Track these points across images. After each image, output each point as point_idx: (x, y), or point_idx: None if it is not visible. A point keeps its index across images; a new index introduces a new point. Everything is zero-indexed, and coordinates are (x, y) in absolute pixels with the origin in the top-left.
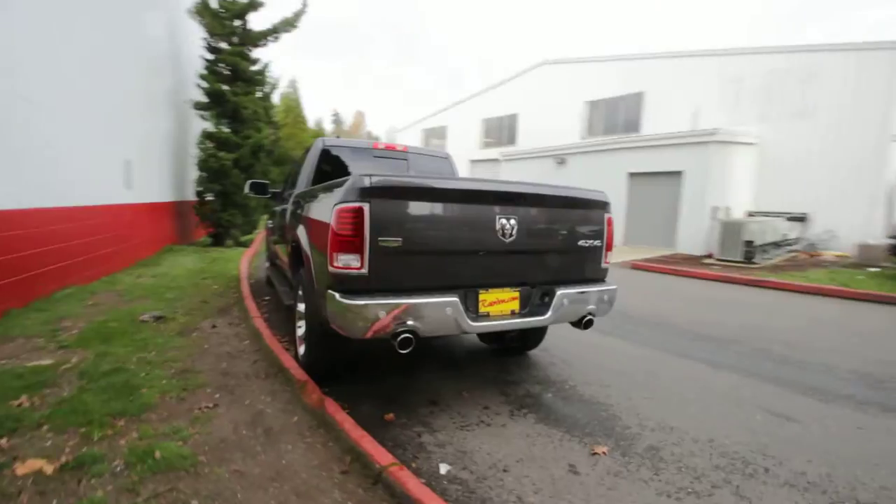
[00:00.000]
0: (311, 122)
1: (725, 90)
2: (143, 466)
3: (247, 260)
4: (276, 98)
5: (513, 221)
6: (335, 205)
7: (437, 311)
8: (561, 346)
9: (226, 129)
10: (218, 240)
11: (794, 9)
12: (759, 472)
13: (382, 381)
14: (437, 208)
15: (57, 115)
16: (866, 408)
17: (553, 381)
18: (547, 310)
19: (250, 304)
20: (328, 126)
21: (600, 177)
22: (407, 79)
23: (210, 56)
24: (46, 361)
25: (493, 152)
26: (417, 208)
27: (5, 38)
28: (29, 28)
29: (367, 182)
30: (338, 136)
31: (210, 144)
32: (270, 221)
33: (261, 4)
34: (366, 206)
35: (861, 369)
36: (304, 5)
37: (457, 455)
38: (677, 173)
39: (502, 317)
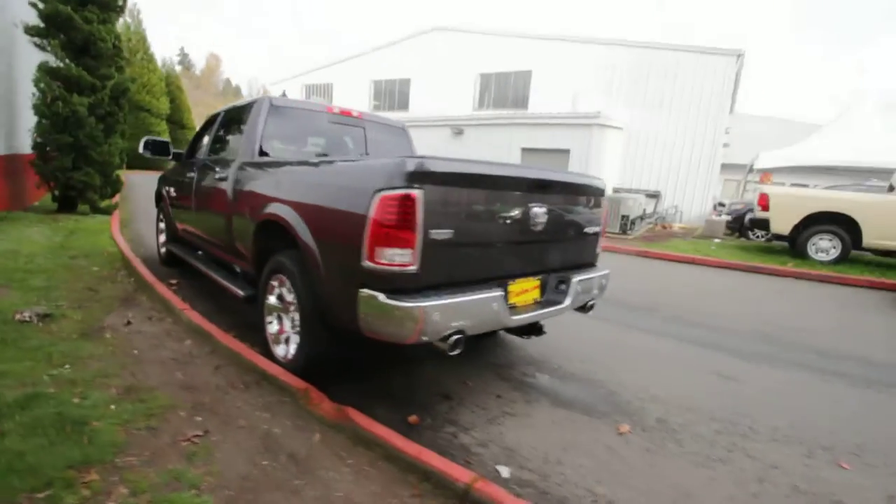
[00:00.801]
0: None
1: (600, 76)
2: None
3: (118, 231)
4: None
5: (543, 209)
6: (377, 191)
7: (486, 307)
8: None
9: (75, 66)
10: (67, 205)
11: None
12: (747, 432)
13: (375, 378)
14: (483, 196)
15: None
16: (779, 364)
17: (538, 360)
18: (565, 297)
19: (165, 291)
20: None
21: (495, 150)
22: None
23: None
24: None
25: (388, 116)
26: (466, 196)
27: None
28: None
29: (415, 165)
30: (284, 94)
31: (55, 84)
32: (171, 188)
33: None
34: (418, 194)
35: (760, 330)
36: None
37: (504, 454)
38: (565, 151)
39: (528, 307)
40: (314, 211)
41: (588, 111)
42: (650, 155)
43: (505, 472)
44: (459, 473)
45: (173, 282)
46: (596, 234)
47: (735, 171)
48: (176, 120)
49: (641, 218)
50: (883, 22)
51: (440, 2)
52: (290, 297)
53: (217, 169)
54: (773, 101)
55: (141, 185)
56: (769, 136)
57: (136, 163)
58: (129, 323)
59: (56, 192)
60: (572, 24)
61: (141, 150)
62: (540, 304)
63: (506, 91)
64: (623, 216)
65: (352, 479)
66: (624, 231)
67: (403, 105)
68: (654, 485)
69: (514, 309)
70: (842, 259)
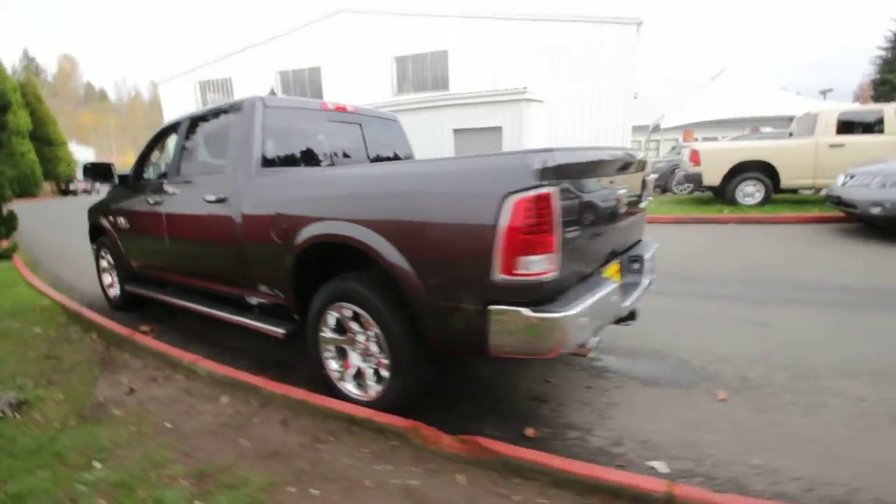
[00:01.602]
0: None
1: (516, 51)
2: None
3: (34, 278)
4: None
5: (625, 190)
6: (508, 194)
7: (610, 301)
8: None
9: None
10: None
11: None
12: (816, 373)
13: (451, 396)
14: (593, 184)
15: None
16: (783, 303)
17: None
18: (642, 275)
19: (154, 343)
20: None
21: (427, 133)
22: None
23: None
24: None
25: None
26: (581, 186)
27: None
28: None
29: (544, 160)
30: (273, 93)
31: None
32: (119, 219)
33: None
34: (553, 191)
35: (741, 275)
36: None
37: (642, 447)
38: (497, 129)
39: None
40: (404, 227)
41: (516, 87)
42: (570, 124)
43: (661, 466)
44: (651, 484)
45: (145, 329)
46: (645, 208)
47: (641, 132)
48: (41, 136)
49: None
50: None
51: None
52: (355, 326)
53: (202, 190)
54: (674, 64)
55: (23, 215)
56: (667, 97)
57: None
58: (131, 391)
59: None
60: (486, 1)
61: (80, 177)
62: (627, 287)
63: (424, 73)
64: None
65: None
66: None
67: (316, 95)
68: (790, 444)
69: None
70: (765, 201)
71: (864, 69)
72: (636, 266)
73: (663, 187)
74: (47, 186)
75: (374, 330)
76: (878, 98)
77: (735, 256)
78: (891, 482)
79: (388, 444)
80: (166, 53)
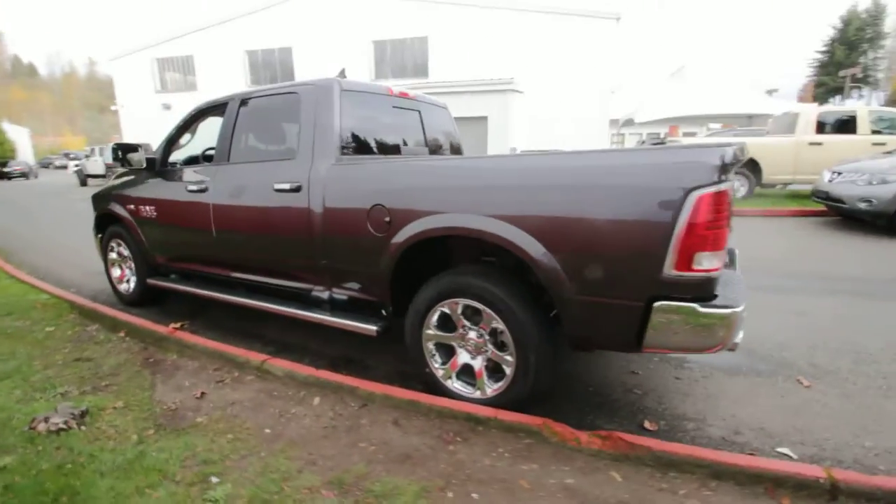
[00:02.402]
0: None
1: (498, 40)
2: None
3: (16, 269)
4: None
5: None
6: (691, 189)
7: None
8: None
9: None
10: None
11: None
12: (874, 357)
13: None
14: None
15: None
16: (810, 292)
17: None
18: (735, 266)
19: (208, 343)
20: None
21: None
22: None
23: None
24: None
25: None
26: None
27: None
28: None
29: (722, 156)
30: (343, 74)
31: None
32: (146, 208)
33: None
34: (730, 188)
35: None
36: None
37: (762, 434)
38: (483, 118)
39: None
40: (555, 222)
41: (502, 77)
42: (549, 117)
43: (789, 452)
44: (812, 471)
45: (177, 325)
46: None
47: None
48: None
49: None
50: None
51: None
52: (467, 323)
53: (266, 177)
54: (647, 59)
55: None
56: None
57: None
58: (202, 395)
59: None
60: None
61: (108, 160)
62: None
63: (404, 59)
64: None
65: None
66: None
67: (288, 78)
68: (889, 425)
69: None
70: (749, 195)
71: (805, 71)
72: (733, 258)
73: None
74: None
75: (497, 326)
76: (816, 98)
77: (741, 249)
78: None
79: (523, 443)
80: (109, 28)
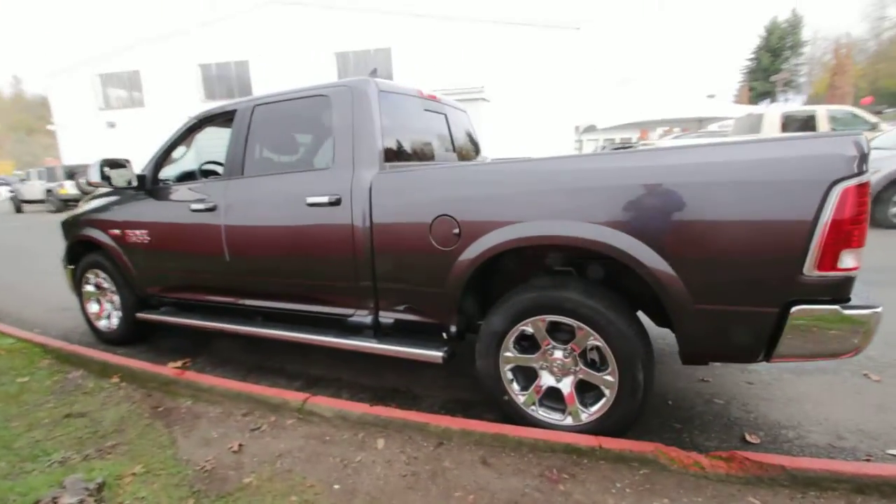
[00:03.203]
0: None
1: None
2: None
3: None
4: None
5: None
6: (835, 182)
7: None
8: None
9: None
10: None
11: None
12: None
13: None
14: None
15: None
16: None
17: None
18: None
19: (233, 384)
20: None
21: None
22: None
23: None
24: None
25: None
26: None
27: None
28: None
29: (862, 146)
30: (375, 73)
31: None
32: (137, 232)
33: None
34: (870, 179)
35: None
36: None
37: (864, 437)
38: None
39: None
40: (677, 227)
41: (473, 85)
42: (516, 124)
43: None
44: None
45: (177, 365)
46: None
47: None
48: None
49: None
50: None
51: None
52: (553, 342)
53: (295, 191)
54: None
55: None
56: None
57: None
58: (240, 447)
59: None
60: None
61: (94, 178)
62: None
63: (368, 69)
64: None
65: None
66: None
67: (245, 92)
68: None
69: None
70: None
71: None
72: None
73: None
74: None
75: (595, 343)
76: (751, 101)
77: None
78: None
79: (639, 475)
80: (38, 44)
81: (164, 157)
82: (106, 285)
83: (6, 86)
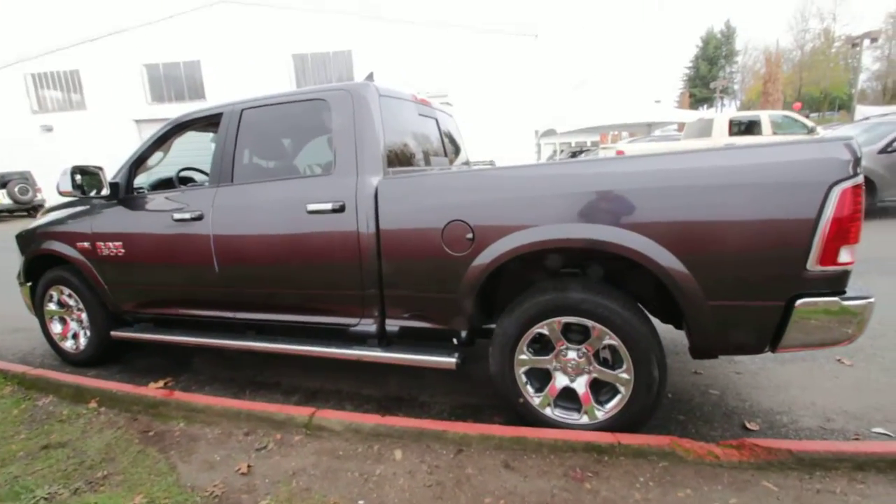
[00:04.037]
0: None
1: (425, 56)
2: None
3: None
4: None
5: None
6: (834, 183)
7: None
8: None
9: None
10: None
11: None
12: (886, 332)
13: None
14: None
15: None
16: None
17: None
18: None
19: (231, 402)
20: None
21: None
22: None
23: None
24: None
25: (173, 109)
26: None
27: None
28: None
29: (856, 150)
30: (371, 77)
31: None
32: (109, 244)
33: None
34: (862, 181)
35: None
36: None
37: (849, 418)
38: None
39: None
40: (690, 228)
41: (438, 89)
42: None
43: (886, 431)
44: None
45: (159, 385)
46: None
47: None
48: None
49: None
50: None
51: None
52: (566, 343)
53: (293, 197)
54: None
55: None
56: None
57: None
58: (249, 469)
59: None
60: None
61: (65, 187)
62: None
63: (327, 72)
64: None
65: None
66: None
67: (197, 94)
68: None
69: None
70: None
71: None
72: None
73: None
74: None
75: (610, 342)
76: (691, 107)
77: None
78: None
79: (659, 467)
80: None
81: (138, 164)
82: (72, 303)
83: None
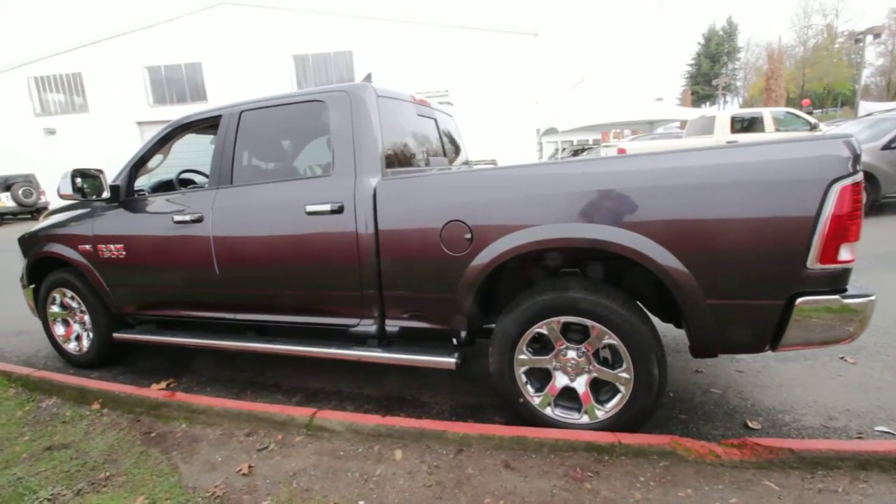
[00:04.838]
0: None
1: (426, 56)
2: None
3: None
4: None
5: None
6: (834, 181)
7: None
8: None
9: None
10: None
11: None
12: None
13: None
14: None
15: None
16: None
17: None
18: None
19: (231, 402)
20: None
21: None
22: None
23: None
24: None
25: (175, 111)
26: None
27: None
28: None
29: (855, 147)
30: (369, 78)
31: None
32: (110, 246)
33: None
34: (861, 178)
35: None
36: None
37: (853, 416)
38: None
39: None
40: (690, 227)
41: (438, 89)
42: (479, 128)
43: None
44: None
45: (161, 387)
46: None
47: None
48: None
49: None
50: None
51: None
52: (566, 342)
53: (292, 199)
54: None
55: None
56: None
57: None
58: (250, 469)
59: None
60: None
61: (66, 190)
62: None
63: (328, 72)
64: None
65: None
66: None
67: (199, 95)
68: None
69: None
70: None
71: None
72: None
73: None
74: None
75: (609, 341)
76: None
77: None
78: None
79: (660, 467)
80: None
81: (138, 167)
82: (74, 305)
83: None
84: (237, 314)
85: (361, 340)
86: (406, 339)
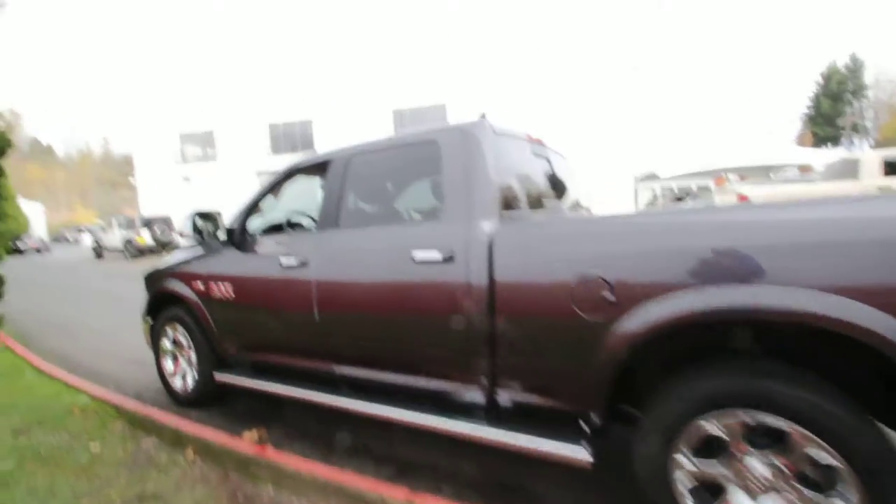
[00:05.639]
0: None
1: (515, 99)
2: None
3: (43, 361)
4: None
5: None
6: None
7: None
8: None
9: None
10: None
11: None
12: None
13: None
14: None
15: None
16: None
17: None
18: None
19: (320, 469)
20: None
21: None
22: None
23: None
24: None
25: (287, 160)
26: None
27: None
28: None
29: None
30: (484, 116)
31: None
32: (221, 286)
33: None
34: None
35: None
36: None
37: None
38: None
39: None
40: None
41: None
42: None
43: None
44: None
45: (252, 434)
46: None
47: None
48: None
49: None
50: None
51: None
52: (748, 447)
53: (399, 244)
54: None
55: None
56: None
57: None
58: None
59: None
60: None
61: (187, 230)
62: None
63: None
64: None
65: None
66: None
67: (308, 147)
68: None
69: None
70: None
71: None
72: None
73: None
74: None
75: (811, 453)
76: (815, 146)
77: None
78: None
79: None
80: (124, 105)
81: (252, 209)
82: (183, 341)
83: (96, 145)
84: (332, 365)
85: (467, 410)
86: (519, 416)
